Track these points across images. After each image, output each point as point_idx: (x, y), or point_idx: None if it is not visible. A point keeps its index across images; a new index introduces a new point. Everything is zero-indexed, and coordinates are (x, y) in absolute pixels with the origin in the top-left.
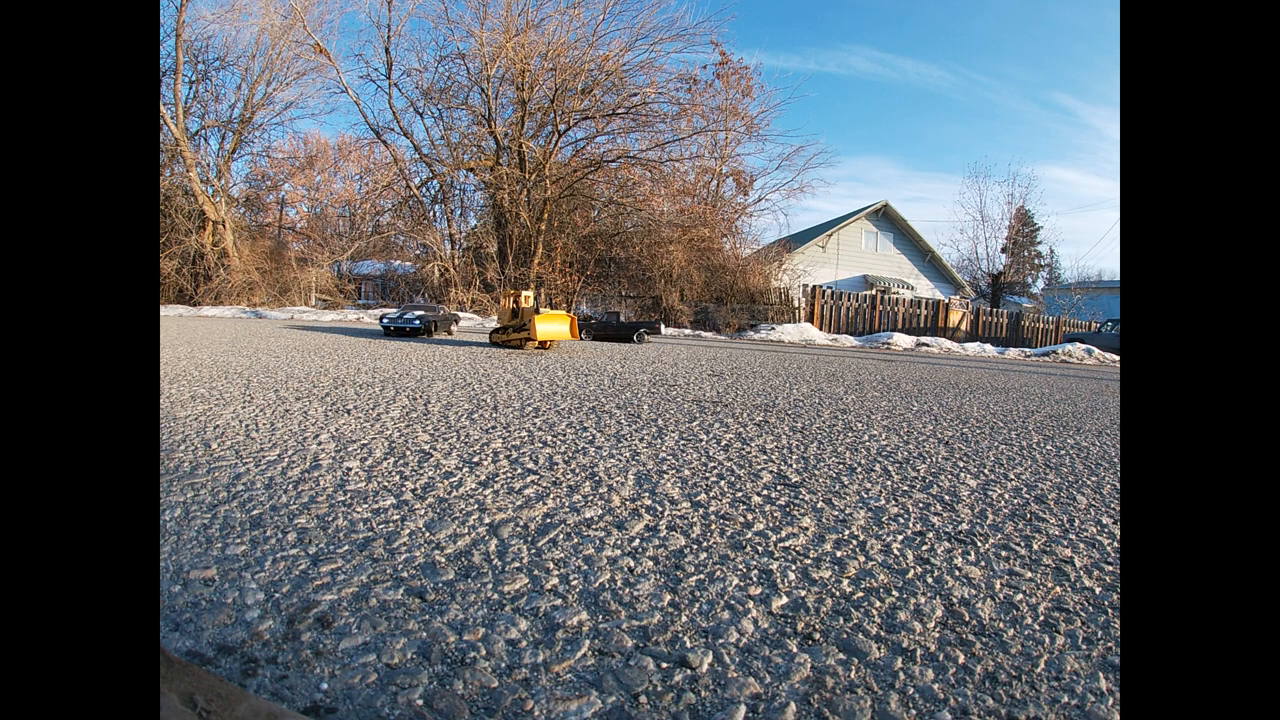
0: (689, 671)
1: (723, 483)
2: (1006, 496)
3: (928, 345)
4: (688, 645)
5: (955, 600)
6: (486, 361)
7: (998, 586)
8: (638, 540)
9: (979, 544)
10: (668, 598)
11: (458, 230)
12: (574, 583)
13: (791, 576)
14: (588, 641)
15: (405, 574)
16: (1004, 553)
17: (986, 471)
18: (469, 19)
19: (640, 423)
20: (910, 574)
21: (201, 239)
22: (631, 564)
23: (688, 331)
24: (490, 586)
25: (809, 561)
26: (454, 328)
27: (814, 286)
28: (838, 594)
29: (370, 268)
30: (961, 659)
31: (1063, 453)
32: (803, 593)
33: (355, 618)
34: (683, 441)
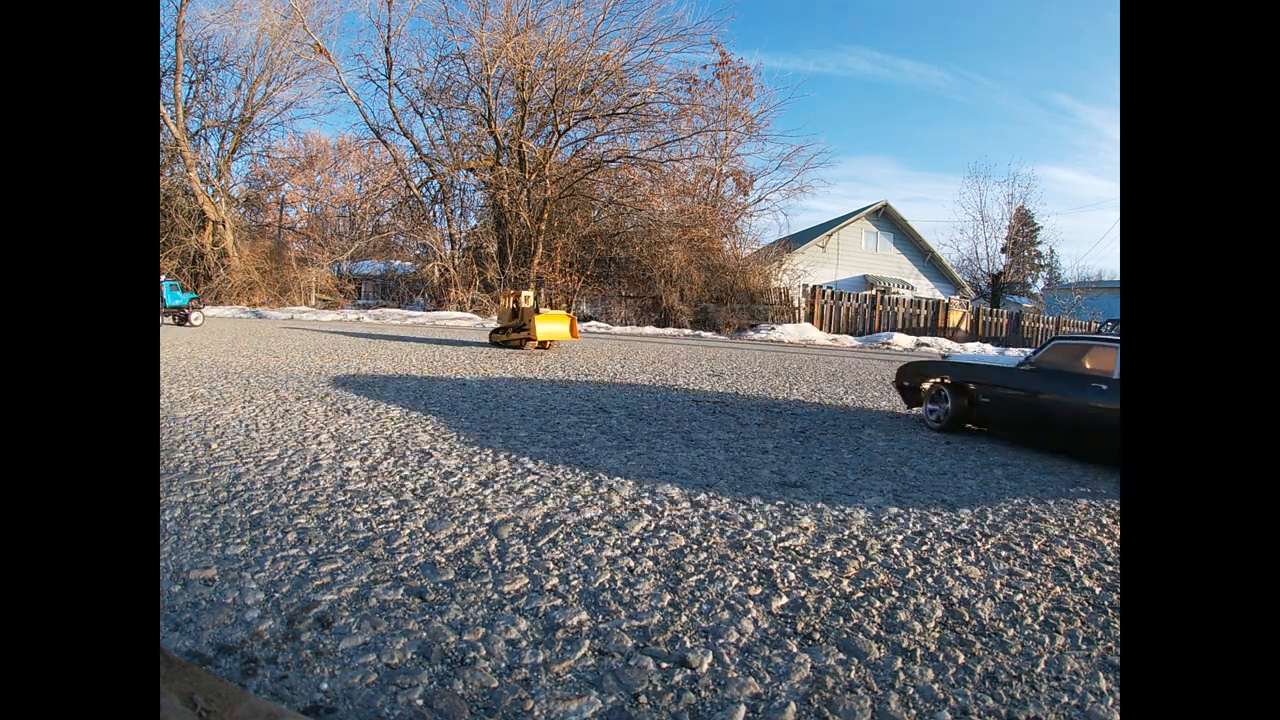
0: (689, 671)
1: (722, 483)
2: (1006, 496)
3: (928, 345)
4: (688, 645)
5: (955, 600)
6: (486, 361)
7: (998, 586)
8: (638, 540)
9: (979, 544)
10: (668, 598)
11: (458, 230)
12: (574, 583)
13: (791, 576)
14: (588, 641)
15: (405, 574)
16: (1004, 553)
17: (986, 471)
18: (469, 19)
19: (640, 422)
20: (910, 574)
21: (201, 239)
22: (631, 564)
23: (688, 331)
24: (490, 586)
25: (809, 561)
26: None
27: (814, 286)
28: (838, 594)
29: (370, 268)
30: (961, 659)
31: (1063, 452)
32: (803, 593)
33: (355, 618)
34: (683, 441)
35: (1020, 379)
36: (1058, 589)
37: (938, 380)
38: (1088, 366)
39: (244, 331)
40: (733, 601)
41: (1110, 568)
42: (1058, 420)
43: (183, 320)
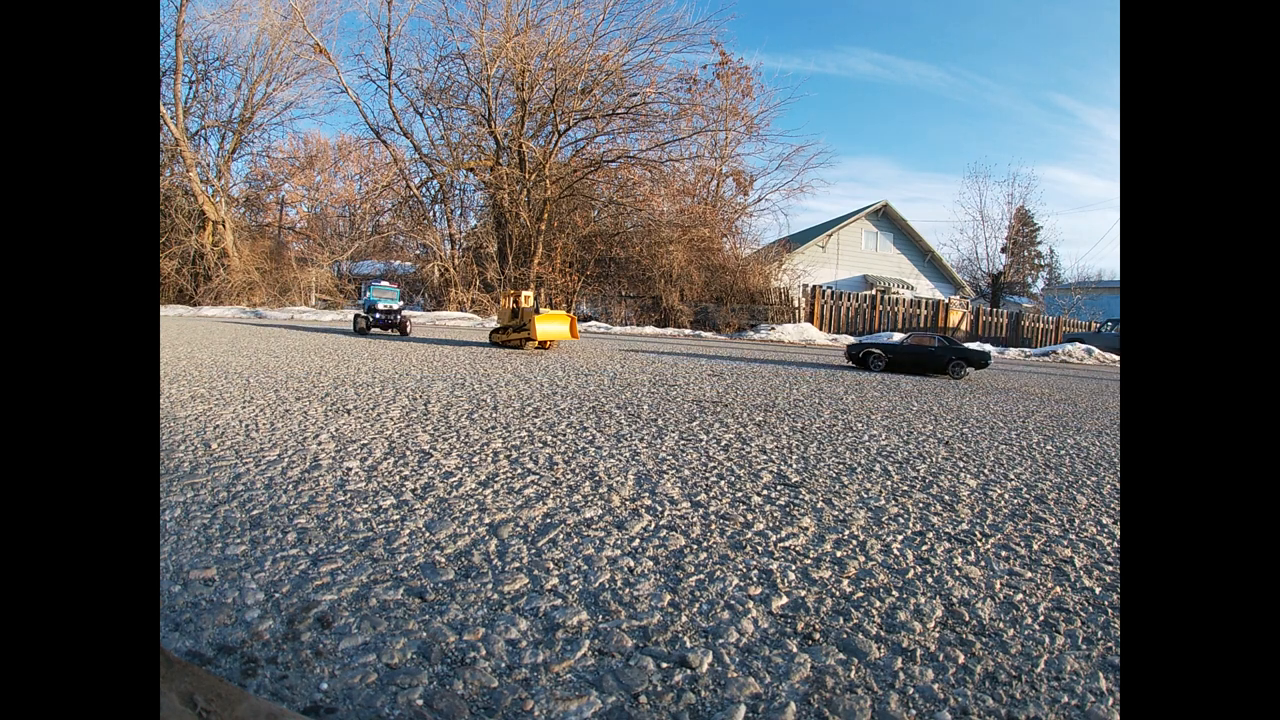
0: (689, 671)
1: (723, 483)
2: (1006, 496)
3: None
4: (688, 645)
5: (955, 600)
6: (486, 361)
7: (998, 586)
8: (638, 540)
9: (979, 544)
10: (668, 598)
11: (458, 230)
12: (574, 583)
13: (791, 576)
14: (588, 641)
15: (405, 574)
16: (1004, 553)
17: (986, 471)
18: (469, 19)
19: (640, 423)
20: (910, 574)
21: (201, 239)
22: (631, 564)
23: (688, 331)
24: (490, 586)
25: (809, 561)
26: None
27: (814, 286)
28: (838, 594)
29: (370, 268)
30: (961, 659)
31: (1063, 453)
32: (803, 593)
33: (355, 618)
34: (682, 441)
35: (904, 347)
36: (1058, 589)
37: (871, 351)
38: (924, 342)
39: (243, 332)
40: (733, 601)
41: (1110, 568)
42: (919, 361)
43: (403, 331)
